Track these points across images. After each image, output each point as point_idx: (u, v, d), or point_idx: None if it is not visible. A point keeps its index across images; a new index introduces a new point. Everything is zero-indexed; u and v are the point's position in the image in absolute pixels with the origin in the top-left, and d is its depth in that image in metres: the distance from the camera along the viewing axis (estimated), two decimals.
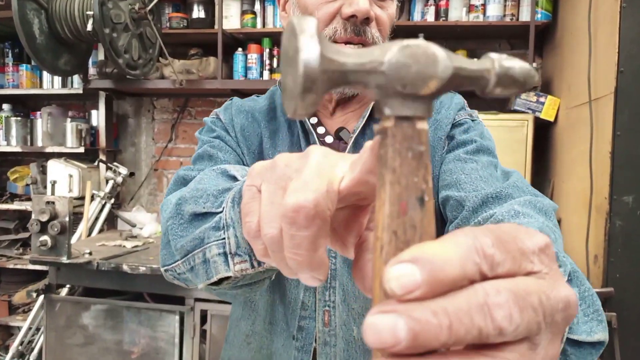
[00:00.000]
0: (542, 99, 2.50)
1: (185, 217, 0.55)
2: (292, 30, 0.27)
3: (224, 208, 0.48)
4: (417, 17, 2.73)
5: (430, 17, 2.69)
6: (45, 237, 2.10)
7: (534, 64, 2.63)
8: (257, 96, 0.94)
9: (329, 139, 0.84)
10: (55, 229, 2.10)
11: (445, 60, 0.30)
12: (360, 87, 0.28)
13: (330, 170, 0.32)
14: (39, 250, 2.13)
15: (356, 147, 0.80)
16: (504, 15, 2.63)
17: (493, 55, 0.31)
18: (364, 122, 0.81)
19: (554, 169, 2.53)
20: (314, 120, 0.85)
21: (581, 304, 0.51)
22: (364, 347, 0.77)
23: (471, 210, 0.66)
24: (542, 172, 2.71)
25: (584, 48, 2.07)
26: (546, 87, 2.73)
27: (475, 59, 0.32)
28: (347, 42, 0.74)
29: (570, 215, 2.23)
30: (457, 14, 2.66)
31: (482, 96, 0.32)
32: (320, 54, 0.27)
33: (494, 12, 2.62)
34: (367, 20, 0.74)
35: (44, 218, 2.10)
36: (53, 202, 2.12)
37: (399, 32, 2.35)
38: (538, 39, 2.76)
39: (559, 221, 2.34)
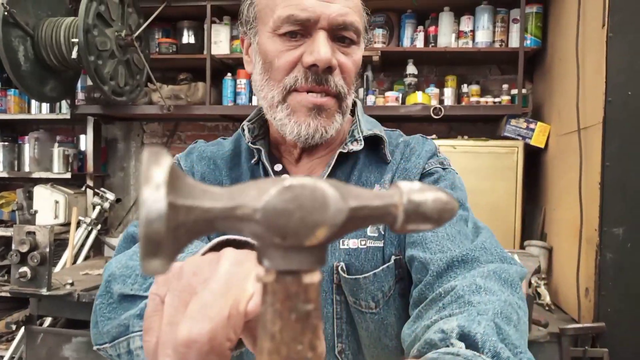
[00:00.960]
0: (532, 125, 2.48)
1: (114, 297, 0.53)
2: (141, 177, 0.22)
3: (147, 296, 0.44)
4: (406, 42, 2.72)
5: (419, 43, 2.69)
6: (24, 269, 2.05)
7: (524, 90, 2.61)
8: (224, 139, 0.90)
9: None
10: (35, 260, 2.05)
11: (337, 202, 0.25)
12: (235, 233, 0.24)
13: (240, 285, 0.28)
14: (18, 281, 2.08)
15: None
16: (493, 42, 2.63)
17: (404, 186, 0.27)
18: (329, 171, 0.77)
19: (546, 196, 2.50)
20: (278, 167, 0.80)
21: None
22: None
23: (435, 275, 0.63)
24: (533, 200, 2.67)
25: (572, 75, 2.06)
26: (537, 113, 2.71)
27: (383, 191, 0.28)
28: (309, 91, 0.71)
29: (562, 244, 2.19)
30: (447, 40, 2.65)
31: (392, 231, 0.28)
32: (169, 206, 0.22)
33: (483, 38, 2.62)
34: (329, 69, 0.70)
35: (24, 249, 2.05)
36: (34, 233, 2.08)
37: (389, 57, 2.33)
38: (529, 64, 2.75)
39: (550, 250, 2.30)
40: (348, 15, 0.70)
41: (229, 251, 0.30)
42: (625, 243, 1.77)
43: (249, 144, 0.78)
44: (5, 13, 2.20)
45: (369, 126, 0.80)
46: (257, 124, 0.82)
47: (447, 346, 0.47)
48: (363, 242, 0.74)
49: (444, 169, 0.78)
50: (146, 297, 0.45)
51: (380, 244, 0.74)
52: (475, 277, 0.57)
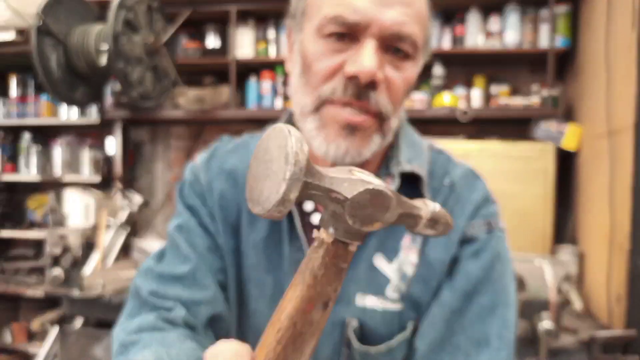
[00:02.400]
0: (563, 128, 2.42)
1: None
2: (281, 132, 0.35)
3: None
4: (433, 43, 2.68)
5: (446, 44, 2.66)
6: (58, 271, 2.12)
7: (554, 91, 2.55)
8: (251, 136, 0.83)
9: (316, 219, 0.73)
10: (68, 262, 2.12)
11: (394, 208, 0.38)
12: (317, 204, 0.33)
13: None
14: (52, 283, 2.15)
15: None
16: (523, 42, 2.58)
17: (430, 205, 0.44)
18: None
19: (577, 200, 2.44)
20: None
21: None
22: None
23: None
24: (565, 203, 2.61)
25: (602, 77, 2.00)
26: (568, 115, 2.65)
27: (416, 202, 0.45)
28: (345, 104, 0.62)
29: (593, 249, 2.14)
30: (474, 41, 2.61)
31: (408, 230, 0.46)
32: (303, 183, 0.34)
33: (511, 39, 2.57)
34: (373, 83, 0.61)
35: (57, 251, 2.12)
36: (66, 236, 2.14)
37: None
38: (559, 64, 2.69)
39: (582, 255, 2.25)
40: (405, 24, 0.60)
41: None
42: None
43: None
44: (40, 22, 2.26)
45: (409, 154, 0.72)
46: None
47: None
48: (381, 302, 0.69)
49: (489, 232, 0.70)
50: None
51: (398, 307, 0.69)
52: None
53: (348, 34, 0.61)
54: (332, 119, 0.63)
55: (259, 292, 0.73)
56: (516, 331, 0.70)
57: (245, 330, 0.74)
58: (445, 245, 0.69)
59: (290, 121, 0.75)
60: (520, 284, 1.65)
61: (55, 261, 2.14)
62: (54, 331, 2.63)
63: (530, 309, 1.58)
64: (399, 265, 0.69)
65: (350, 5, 0.59)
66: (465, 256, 0.69)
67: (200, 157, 0.81)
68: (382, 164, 0.72)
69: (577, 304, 2.10)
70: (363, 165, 0.68)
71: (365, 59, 0.59)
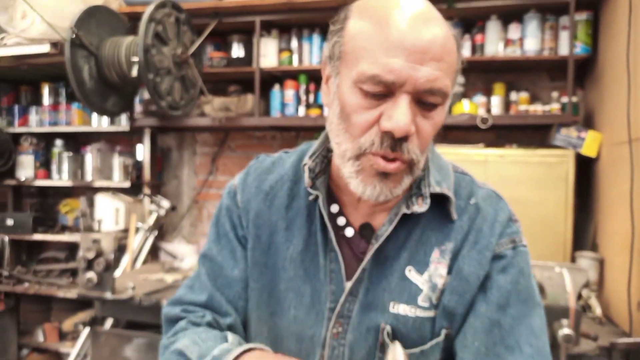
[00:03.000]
0: (583, 134, 2.44)
1: None
2: None
3: None
4: None
5: (466, 52, 2.69)
6: (91, 274, 2.21)
7: (574, 98, 2.57)
8: (286, 152, 0.91)
9: (350, 232, 0.80)
10: (101, 266, 2.20)
11: None
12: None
13: None
14: (85, 286, 2.24)
15: (378, 252, 0.77)
16: (542, 49, 2.60)
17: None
18: (390, 229, 0.76)
19: (597, 207, 2.45)
20: (335, 209, 0.81)
21: None
22: None
23: None
24: (585, 210, 2.63)
25: (623, 84, 2.02)
26: (588, 121, 2.66)
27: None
28: (381, 158, 0.69)
29: (613, 256, 2.15)
30: (494, 49, 2.64)
31: None
32: None
33: (531, 46, 2.59)
34: (406, 137, 0.67)
35: (91, 255, 2.21)
36: (99, 240, 2.23)
37: None
38: (579, 71, 2.71)
39: (602, 262, 2.26)
40: (437, 80, 0.65)
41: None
42: None
43: (308, 188, 0.79)
44: (74, 35, 2.37)
45: (438, 177, 0.78)
46: (319, 158, 0.81)
47: None
48: (413, 310, 0.75)
49: (514, 249, 0.77)
50: None
51: (431, 314, 0.75)
52: None
53: (383, 91, 0.66)
54: (370, 167, 0.70)
55: (298, 300, 0.80)
56: (547, 338, 0.76)
57: (284, 335, 0.81)
58: (479, 262, 0.75)
59: (324, 147, 0.82)
60: (541, 290, 1.68)
61: (89, 264, 2.23)
62: (85, 332, 2.74)
63: (550, 315, 1.60)
64: (429, 277, 0.76)
65: (387, 65, 0.64)
66: (495, 271, 0.75)
67: (238, 177, 0.90)
68: (413, 185, 0.77)
69: (597, 310, 2.12)
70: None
71: (400, 116, 0.65)
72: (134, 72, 2.34)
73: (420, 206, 0.75)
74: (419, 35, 0.64)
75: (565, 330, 1.53)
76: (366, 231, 0.80)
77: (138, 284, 2.46)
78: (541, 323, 0.75)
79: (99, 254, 2.22)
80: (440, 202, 0.78)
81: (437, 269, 0.76)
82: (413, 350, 0.74)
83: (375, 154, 0.69)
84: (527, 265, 0.78)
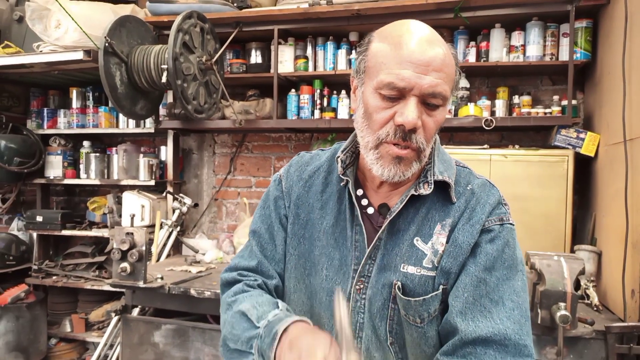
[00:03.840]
0: (582, 135, 2.60)
1: (230, 348, 0.99)
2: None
3: (252, 354, 0.91)
4: (459, 58, 2.88)
5: (471, 58, 2.85)
6: (125, 264, 2.39)
7: (574, 101, 2.73)
8: (322, 150, 1.15)
9: (371, 210, 1.02)
10: (134, 257, 2.38)
11: None
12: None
13: (314, 353, 0.76)
14: (119, 275, 2.42)
15: (391, 225, 0.98)
16: (544, 55, 2.75)
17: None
18: (401, 206, 0.96)
19: (596, 203, 2.61)
20: (360, 192, 1.02)
21: None
22: None
23: (459, 344, 0.89)
24: (585, 206, 2.79)
25: (620, 89, 2.17)
26: (588, 123, 2.82)
27: None
28: (395, 144, 0.90)
29: (610, 249, 2.31)
30: (498, 55, 2.80)
31: None
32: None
33: (533, 52, 2.75)
34: (414, 129, 0.88)
35: (125, 247, 2.39)
36: (132, 233, 2.41)
37: None
38: (580, 75, 2.87)
39: (600, 254, 2.41)
40: (438, 86, 0.86)
41: (304, 334, 0.76)
42: None
43: (340, 175, 1.01)
44: (106, 44, 2.55)
45: (442, 168, 0.98)
46: (349, 153, 1.03)
47: None
48: (419, 270, 0.94)
49: (501, 225, 0.95)
50: (247, 352, 0.92)
51: (432, 274, 0.94)
52: None
53: (397, 95, 0.88)
54: (387, 153, 0.91)
55: (329, 263, 1.01)
56: (527, 297, 0.93)
57: (317, 290, 1.02)
58: (471, 233, 0.94)
59: (354, 144, 1.04)
60: (541, 277, 1.84)
61: (123, 255, 2.40)
62: (115, 319, 2.92)
63: (548, 299, 1.78)
64: (432, 245, 0.95)
65: (399, 75, 0.86)
66: (484, 241, 0.94)
67: (283, 169, 1.13)
68: (421, 174, 0.99)
69: (595, 299, 2.27)
70: (406, 179, 0.96)
71: (410, 114, 0.87)
72: (164, 78, 2.52)
73: (426, 190, 0.96)
74: (423, 53, 0.87)
75: (562, 311, 1.70)
76: (383, 209, 1.01)
77: (165, 274, 2.64)
78: (522, 285, 0.93)
79: (132, 246, 2.40)
80: (443, 187, 0.98)
81: (439, 239, 0.95)
82: (417, 299, 0.93)
83: (390, 142, 0.90)
84: (512, 239, 0.96)
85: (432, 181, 0.96)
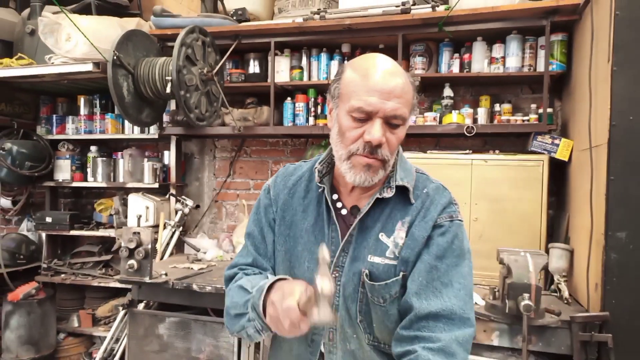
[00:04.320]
0: (556, 141, 2.79)
1: (232, 315, 1.20)
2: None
3: (248, 312, 1.12)
4: (444, 69, 3.09)
5: (455, 69, 3.05)
6: (132, 261, 2.58)
7: (550, 109, 2.92)
8: (305, 162, 1.35)
9: (344, 212, 1.22)
10: (141, 255, 2.58)
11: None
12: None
13: (294, 293, 0.95)
14: (127, 272, 2.62)
15: (361, 223, 1.17)
16: (523, 66, 2.95)
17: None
18: (369, 207, 1.17)
19: (570, 204, 2.80)
20: (335, 196, 1.23)
21: None
22: (354, 356, 1.18)
23: (414, 319, 1.08)
24: (561, 206, 2.98)
25: (587, 100, 2.37)
26: (564, 129, 3.02)
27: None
28: (364, 156, 1.09)
29: (579, 247, 2.50)
30: (479, 66, 3.00)
31: None
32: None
33: (513, 64, 2.95)
34: (379, 145, 1.07)
35: (132, 245, 2.58)
36: (139, 233, 2.61)
37: (429, 82, 2.77)
38: (557, 84, 3.07)
39: (572, 252, 2.60)
40: (398, 110, 1.06)
41: (287, 282, 1.01)
42: (628, 245, 2.08)
43: (317, 183, 1.21)
44: (115, 57, 2.75)
45: (403, 175, 1.18)
46: (325, 163, 1.24)
47: None
48: (383, 260, 1.14)
49: (451, 221, 1.15)
50: (246, 313, 1.12)
51: (394, 262, 1.14)
52: (434, 347, 1.03)
53: (365, 117, 1.08)
54: (358, 163, 1.11)
55: (310, 257, 1.21)
56: (471, 280, 1.14)
57: (300, 279, 1.18)
58: (425, 228, 1.14)
59: (329, 157, 1.24)
60: (509, 271, 2.04)
61: (130, 253, 2.60)
62: (121, 313, 3.11)
63: (515, 291, 1.98)
64: (394, 239, 1.15)
65: (367, 101, 1.06)
66: (435, 235, 1.14)
67: (271, 179, 1.35)
68: (386, 180, 1.19)
69: (566, 292, 2.47)
70: (373, 185, 1.15)
71: (376, 133, 1.06)
72: (168, 89, 2.72)
73: (389, 194, 1.16)
74: (386, 83, 1.07)
75: (526, 301, 1.90)
76: (355, 211, 1.21)
77: (169, 271, 2.83)
78: (468, 270, 1.14)
79: (139, 244, 2.60)
80: (404, 191, 1.18)
81: (399, 234, 1.15)
82: (381, 283, 1.13)
83: (360, 155, 1.10)
84: (461, 233, 1.16)
85: (394, 186, 1.16)
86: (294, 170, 1.33)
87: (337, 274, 1.17)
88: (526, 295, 1.93)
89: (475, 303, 2.32)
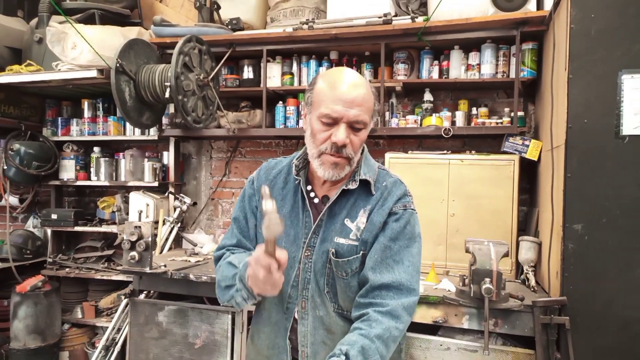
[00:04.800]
0: (527, 142, 3.02)
1: (222, 287, 1.37)
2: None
3: (236, 284, 1.31)
4: (425, 74, 3.32)
5: (435, 75, 3.28)
6: (134, 253, 2.80)
7: (521, 112, 3.15)
8: (285, 157, 1.57)
9: (316, 200, 1.46)
10: (141, 247, 2.80)
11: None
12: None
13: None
14: (129, 262, 2.83)
15: (330, 210, 1.40)
16: (496, 73, 3.18)
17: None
18: (336, 197, 1.40)
19: (538, 200, 3.03)
20: (309, 188, 1.45)
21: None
22: (323, 323, 1.39)
23: (370, 288, 1.31)
24: (533, 202, 3.21)
25: (550, 104, 2.60)
26: (536, 131, 3.24)
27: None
28: (332, 155, 1.31)
29: (545, 239, 2.72)
30: (457, 73, 3.23)
31: None
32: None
33: (487, 70, 3.17)
34: (344, 145, 1.30)
35: (134, 238, 2.80)
36: (140, 227, 2.82)
37: (411, 87, 3.02)
38: (531, 89, 3.30)
39: (540, 244, 2.83)
40: (360, 116, 1.29)
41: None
42: (583, 236, 2.29)
43: (295, 175, 1.43)
44: (117, 64, 2.98)
45: (366, 170, 1.41)
46: (301, 159, 1.46)
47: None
48: (347, 241, 1.37)
49: (404, 209, 1.38)
50: (234, 285, 1.31)
51: (356, 243, 1.37)
52: (383, 310, 1.26)
53: (332, 122, 1.29)
54: (326, 161, 1.34)
55: (287, 238, 1.43)
56: (420, 259, 1.36)
57: None
58: (382, 215, 1.37)
59: (305, 154, 1.45)
60: (474, 259, 2.26)
61: (132, 245, 2.82)
62: (123, 303, 3.33)
63: (479, 276, 2.20)
64: (357, 224, 1.38)
65: (333, 108, 1.29)
66: (390, 221, 1.37)
67: (255, 172, 1.56)
68: (351, 175, 1.41)
69: (532, 281, 2.69)
70: (341, 178, 1.37)
71: (340, 135, 1.29)
72: (167, 94, 2.94)
73: (353, 186, 1.38)
74: (350, 93, 1.29)
75: (487, 285, 2.12)
76: (325, 199, 1.43)
77: (168, 264, 3.05)
78: (417, 251, 1.36)
79: (140, 237, 2.82)
80: (366, 184, 1.40)
81: (361, 219, 1.38)
82: (344, 260, 1.35)
83: (328, 154, 1.32)
84: (413, 219, 1.39)
85: (358, 180, 1.39)
86: (275, 164, 1.55)
87: (309, 253, 1.39)
88: (487, 279, 2.15)
89: (448, 290, 2.55)
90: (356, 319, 1.30)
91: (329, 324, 1.39)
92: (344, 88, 1.29)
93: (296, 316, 1.42)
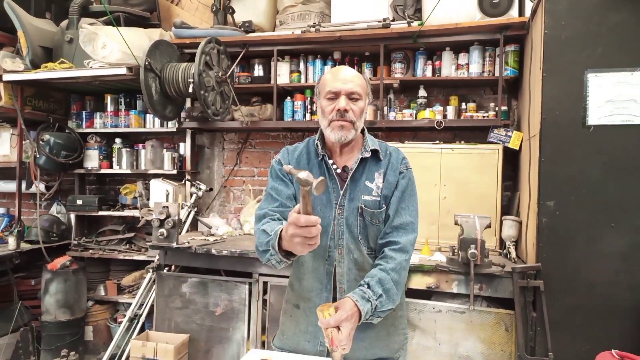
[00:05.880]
0: (509, 133, 3.41)
1: (260, 250, 1.63)
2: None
3: (270, 249, 1.53)
4: (419, 73, 3.69)
5: (428, 73, 3.66)
6: (163, 230, 3.16)
7: (504, 107, 3.54)
8: (299, 144, 1.89)
9: (339, 170, 1.73)
10: (169, 225, 3.15)
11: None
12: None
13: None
14: (157, 238, 3.19)
15: (352, 179, 1.71)
16: (483, 72, 3.56)
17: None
18: (356, 165, 1.71)
19: (519, 183, 3.42)
20: (331, 161, 1.78)
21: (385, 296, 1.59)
22: (356, 264, 1.75)
23: (389, 228, 1.69)
24: (516, 187, 3.60)
25: (528, 99, 2.98)
26: (519, 123, 3.63)
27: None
28: (338, 120, 1.64)
29: (525, 217, 3.11)
30: (448, 71, 3.61)
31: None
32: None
33: (475, 70, 3.56)
34: (346, 110, 1.63)
35: (162, 217, 3.16)
36: (167, 207, 3.18)
37: (407, 84, 3.45)
38: (514, 86, 3.68)
39: (521, 223, 3.21)
40: (354, 88, 1.64)
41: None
42: (555, 212, 2.66)
43: (320, 152, 1.76)
44: (146, 63, 3.33)
45: (371, 143, 1.77)
46: (320, 140, 1.79)
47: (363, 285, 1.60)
48: (371, 197, 1.71)
49: (407, 169, 1.76)
50: (268, 250, 1.54)
51: (378, 198, 1.71)
52: (392, 253, 1.64)
53: (334, 97, 1.66)
54: (335, 126, 1.66)
55: (321, 202, 1.74)
56: (418, 206, 1.75)
57: None
58: (394, 175, 1.74)
59: (321, 133, 1.80)
60: (462, 229, 2.64)
61: (161, 223, 3.17)
62: (147, 277, 3.68)
63: (465, 244, 2.58)
64: (375, 184, 1.74)
65: (334, 86, 1.65)
66: (400, 178, 1.74)
67: (279, 155, 1.87)
68: (362, 147, 1.77)
69: (513, 254, 3.08)
70: (353, 148, 1.75)
71: (342, 102, 1.64)
72: (190, 89, 3.30)
73: (367, 155, 1.74)
74: (345, 75, 1.68)
75: (472, 250, 2.50)
76: (346, 168, 1.78)
77: (189, 241, 3.41)
78: (417, 198, 1.75)
79: (168, 216, 3.18)
80: (375, 153, 1.77)
81: (379, 180, 1.74)
82: (373, 211, 1.71)
83: (335, 120, 1.66)
84: (412, 175, 1.77)
85: (369, 150, 1.75)
86: (295, 148, 1.87)
87: (340, 211, 1.73)
88: (472, 246, 2.53)
89: (440, 261, 2.93)
90: (379, 259, 1.68)
91: (362, 263, 1.73)
92: (341, 73, 1.69)
93: (335, 261, 1.75)
